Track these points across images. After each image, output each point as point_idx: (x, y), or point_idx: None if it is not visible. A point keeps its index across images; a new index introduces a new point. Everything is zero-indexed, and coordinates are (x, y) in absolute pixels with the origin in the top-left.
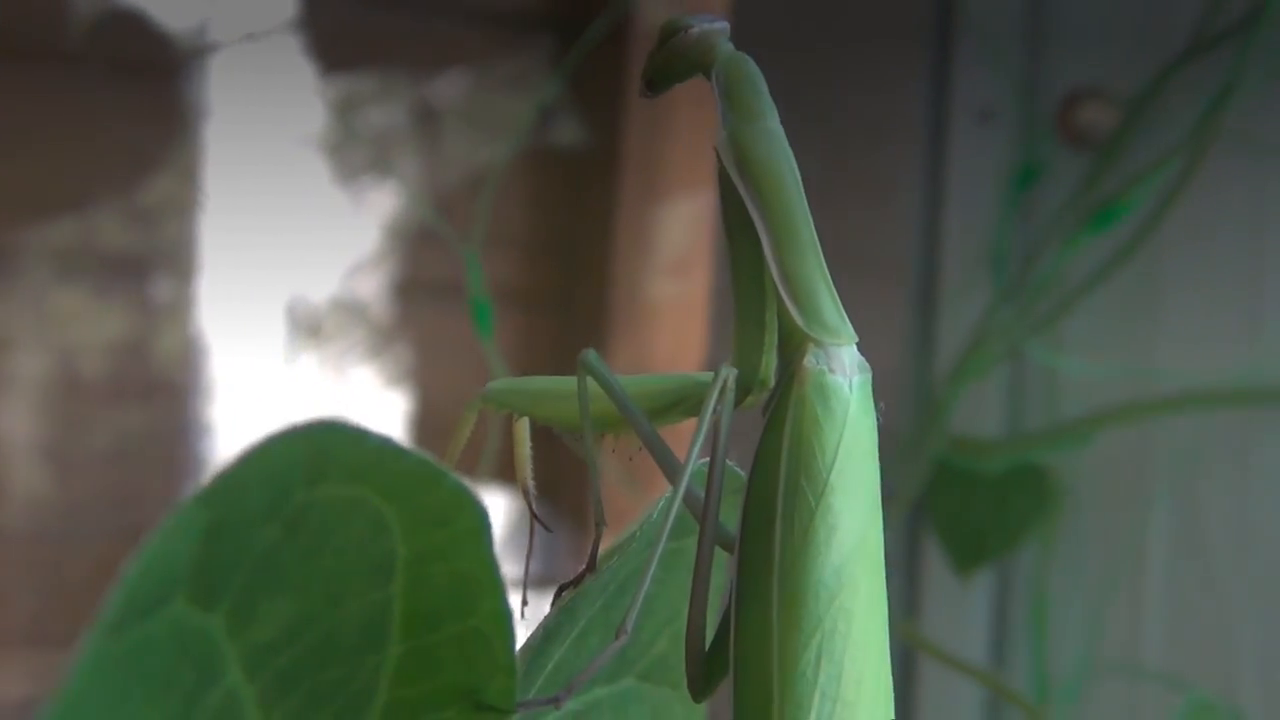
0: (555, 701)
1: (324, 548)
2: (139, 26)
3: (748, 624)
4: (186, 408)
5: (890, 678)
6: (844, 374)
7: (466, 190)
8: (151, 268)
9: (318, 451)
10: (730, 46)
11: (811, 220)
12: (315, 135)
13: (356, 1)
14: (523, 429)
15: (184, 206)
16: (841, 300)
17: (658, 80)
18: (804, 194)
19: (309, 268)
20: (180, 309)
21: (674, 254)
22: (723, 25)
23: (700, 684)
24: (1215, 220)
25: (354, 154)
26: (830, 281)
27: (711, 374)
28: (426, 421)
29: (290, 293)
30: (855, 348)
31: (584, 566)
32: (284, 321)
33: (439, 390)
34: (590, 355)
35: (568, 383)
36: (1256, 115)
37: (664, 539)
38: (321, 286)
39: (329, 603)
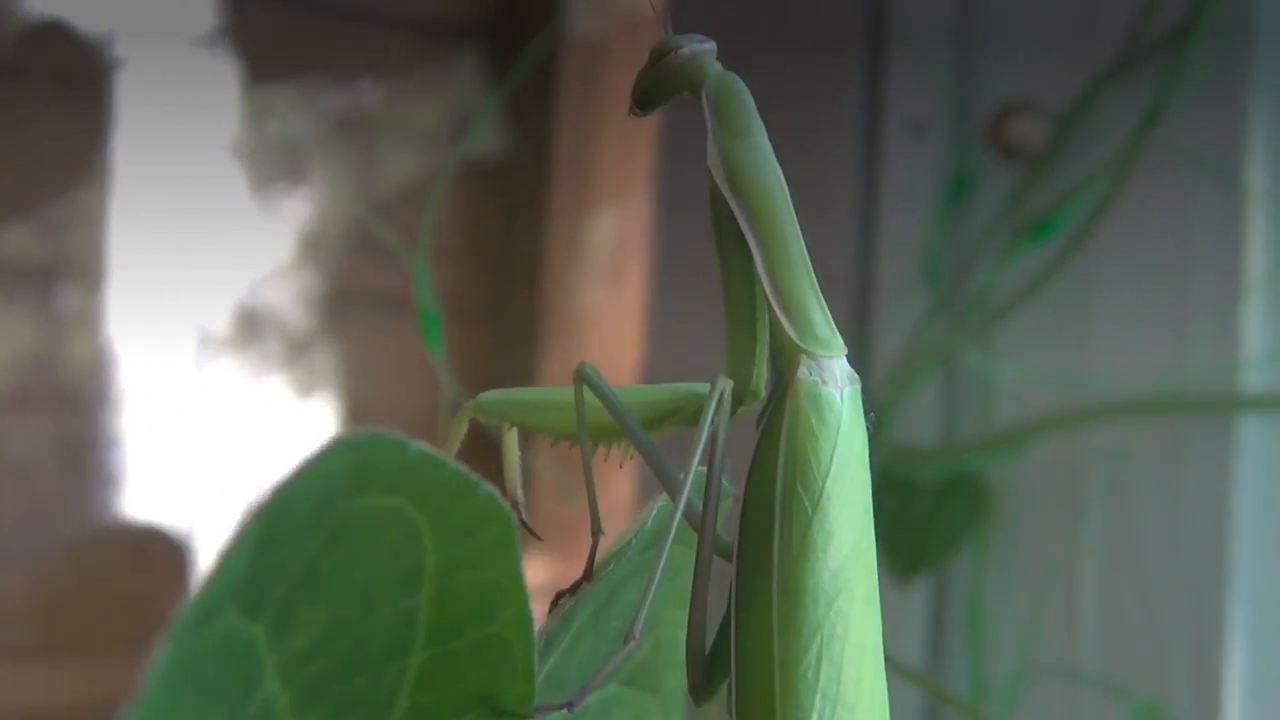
0: (569, 706)
1: (360, 557)
2: (52, 37)
3: (748, 628)
4: (96, 418)
5: (885, 678)
6: (836, 385)
7: (395, 199)
8: (60, 277)
9: (361, 462)
10: (719, 66)
11: (801, 235)
12: (232, 144)
13: (284, 10)
14: (512, 439)
15: (93, 215)
16: None
17: (648, 99)
18: (793, 209)
19: (222, 276)
20: (89, 318)
21: (605, 263)
22: (711, 46)
23: (701, 688)
24: (1145, 231)
25: (272, 162)
26: (820, 295)
27: (705, 385)
28: (344, 428)
29: (202, 301)
30: (845, 359)
31: (581, 574)
32: (195, 331)
33: (357, 396)
34: (587, 368)
35: (557, 393)
36: (1185, 128)
37: (668, 547)
38: (234, 295)
39: (361, 611)
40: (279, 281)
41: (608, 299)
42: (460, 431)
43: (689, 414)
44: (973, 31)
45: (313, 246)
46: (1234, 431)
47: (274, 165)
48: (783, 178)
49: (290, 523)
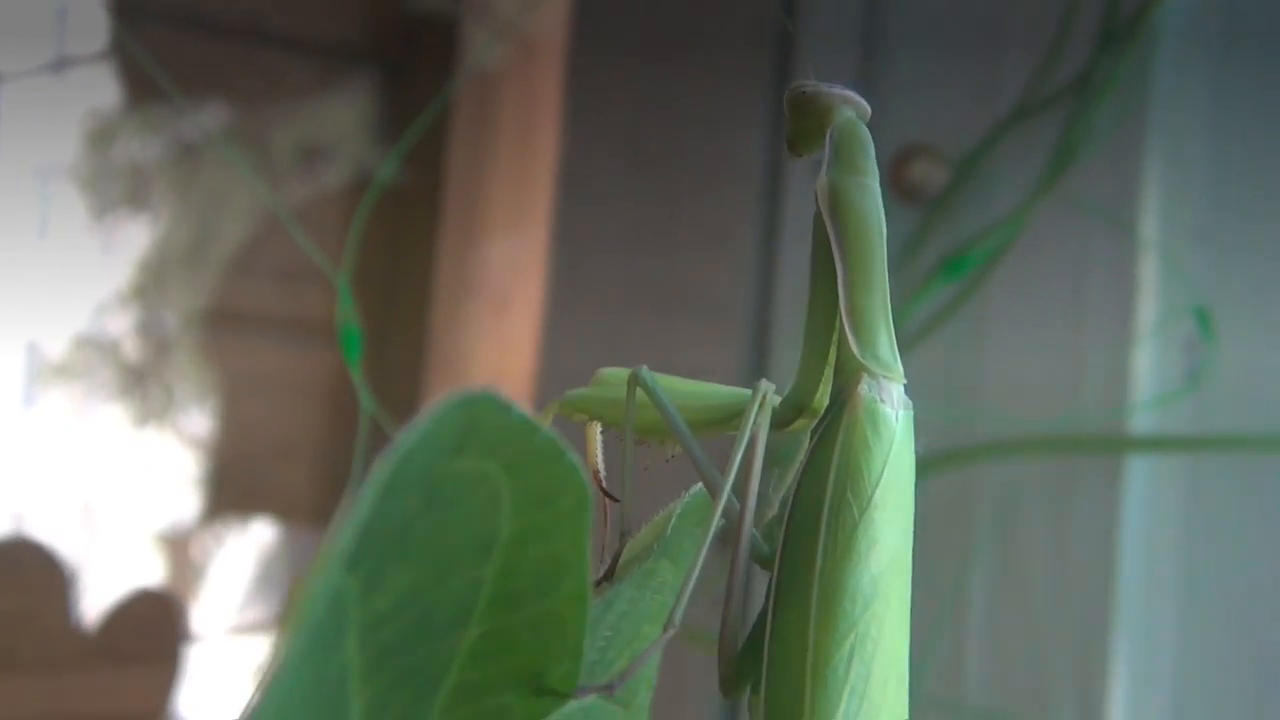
0: (609, 689)
1: (448, 522)
2: None
3: (784, 624)
4: None
5: (908, 686)
6: (893, 406)
7: (285, 219)
8: None
9: (469, 421)
10: (852, 114)
11: (887, 271)
12: (69, 167)
13: (174, 30)
14: (594, 428)
15: None
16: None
17: (793, 139)
18: (885, 248)
19: (55, 304)
20: None
21: (496, 291)
22: (848, 94)
23: (732, 682)
24: (1041, 276)
25: (111, 187)
26: (892, 325)
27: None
28: (185, 456)
29: (32, 331)
30: (903, 388)
31: (602, 574)
32: (24, 360)
33: (219, 419)
34: (643, 371)
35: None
36: (1082, 178)
37: (706, 545)
38: (68, 324)
39: (437, 579)
40: (117, 310)
41: (497, 327)
42: (546, 422)
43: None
44: (876, 74)
45: (151, 272)
46: (1122, 473)
47: (115, 190)
48: (884, 221)
49: (405, 475)
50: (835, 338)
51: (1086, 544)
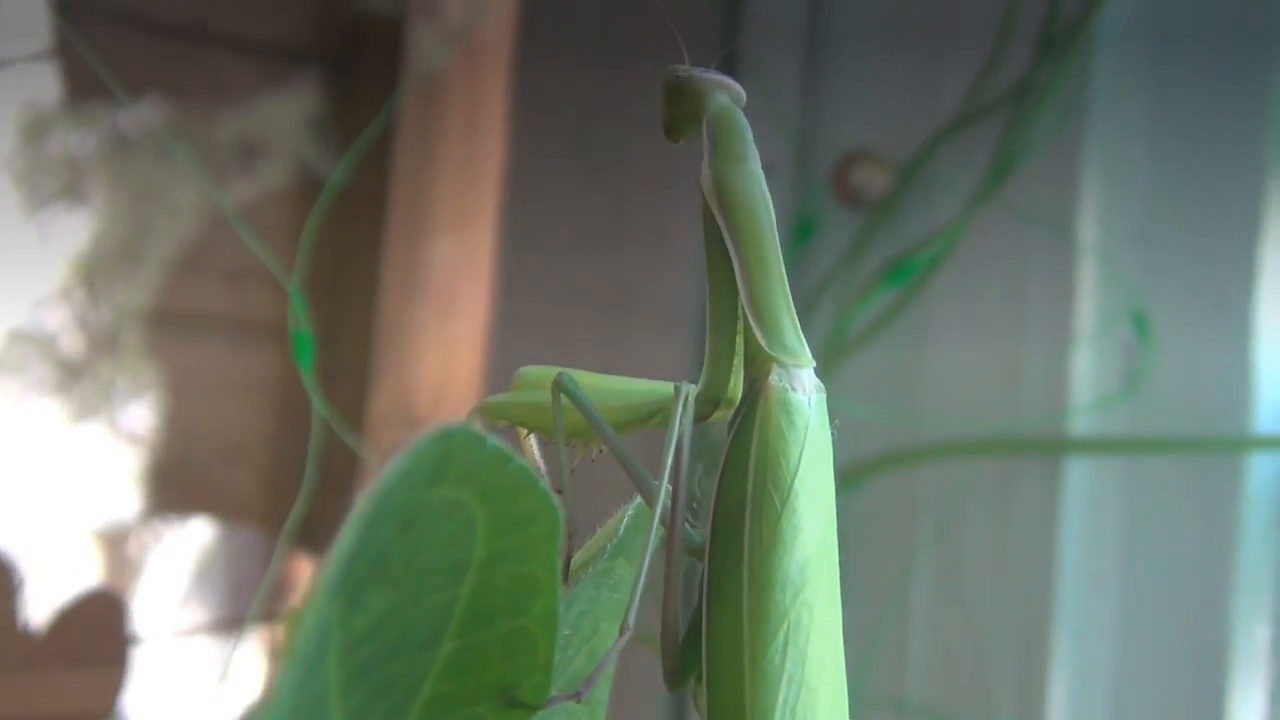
0: (577, 696)
1: (423, 545)
2: None
3: (720, 617)
4: None
5: (844, 665)
6: (804, 392)
7: (228, 221)
8: None
9: (444, 454)
10: (725, 98)
11: (781, 254)
12: (3, 161)
13: (116, 28)
14: (527, 434)
15: None
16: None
17: (669, 125)
18: (776, 231)
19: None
20: None
21: (442, 292)
22: (720, 79)
23: (676, 675)
24: (982, 280)
25: (47, 181)
26: (794, 310)
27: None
28: (124, 454)
29: None
30: (813, 370)
31: None
32: None
33: (139, 422)
34: (564, 377)
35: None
36: (1022, 184)
37: (649, 549)
38: (3, 320)
39: (413, 599)
40: (56, 304)
41: (444, 328)
42: None
43: (666, 416)
44: (819, 80)
45: (86, 268)
46: (1061, 474)
47: (48, 186)
48: (770, 202)
49: (384, 506)
50: (740, 326)
51: (1027, 544)
